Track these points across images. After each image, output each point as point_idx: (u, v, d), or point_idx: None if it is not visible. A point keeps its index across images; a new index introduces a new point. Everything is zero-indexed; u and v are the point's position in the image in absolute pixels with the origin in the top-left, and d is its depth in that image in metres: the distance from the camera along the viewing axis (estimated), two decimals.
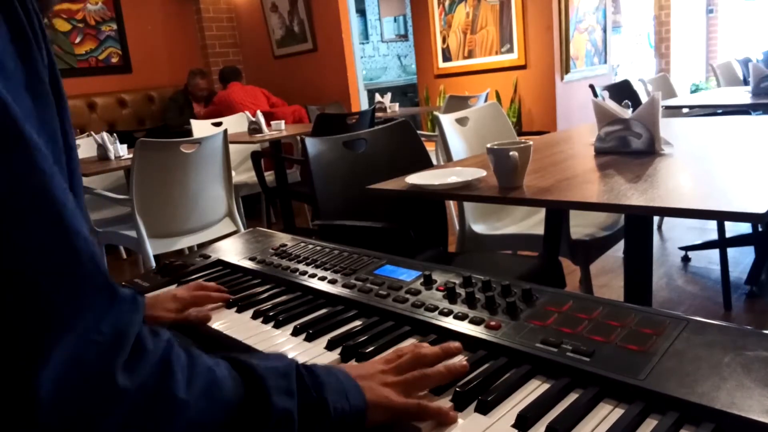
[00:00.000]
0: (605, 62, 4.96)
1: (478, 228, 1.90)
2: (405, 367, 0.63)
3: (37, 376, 0.38)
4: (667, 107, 2.76)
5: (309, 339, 0.77)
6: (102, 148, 2.89)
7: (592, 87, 3.03)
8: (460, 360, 0.65)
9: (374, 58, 8.36)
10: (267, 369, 0.53)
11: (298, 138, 3.65)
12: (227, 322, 0.86)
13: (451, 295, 0.80)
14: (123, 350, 0.42)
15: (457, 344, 0.68)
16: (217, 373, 0.49)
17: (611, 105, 1.47)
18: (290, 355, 0.73)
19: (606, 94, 1.63)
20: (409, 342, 0.73)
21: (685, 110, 2.97)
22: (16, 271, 0.39)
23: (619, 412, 0.55)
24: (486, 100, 3.80)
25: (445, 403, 0.59)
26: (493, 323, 0.71)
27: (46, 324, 0.39)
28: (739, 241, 2.63)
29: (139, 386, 0.42)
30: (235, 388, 0.50)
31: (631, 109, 1.48)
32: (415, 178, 1.35)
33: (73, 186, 0.48)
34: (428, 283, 0.85)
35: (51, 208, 0.40)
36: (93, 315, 0.41)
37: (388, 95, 4.55)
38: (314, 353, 0.73)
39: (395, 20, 8.51)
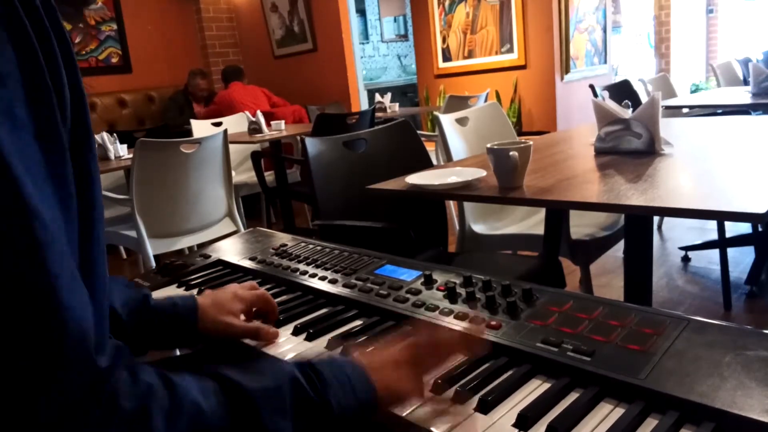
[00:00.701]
0: (605, 62, 4.96)
1: (478, 228, 1.90)
2: (420, 357, 0.62)
3: None
4: (667, 107, 2.76)
5: (309, 339, 0.77)
6: (102, 148, 2.89)
7: (592, 87, 3.03)
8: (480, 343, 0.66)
9: (374, 58, 8.36)
10: (258, 390, 0.52)
11: (298, 138, 3.65)
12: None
13: (451, 294, 0.80)
14: (93, 418, 0.42)
15: (479, 328, 0.69)
16: (203, 406, 0.48)
17: (611, 105, 1.47)
18: (290, 356, 0.74)
19: (606, 94, 1.63)
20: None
21: (685, 110, 2.97)
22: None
23: (619, 411, 0.55)
24: (486, 100, 3.80)
25: (444, 402, 0.59)
26: (493, 323, 0.71)
27: (22, 398, 0.39)
28: (739, 241, 2.63)
29: None
30: (224, 416, 0.49)
31: (631, 109, 1.48)
32: (415, 178, 1.35)
33: (93, 213, 0.48)
34: (429, 282, 0.85)
35: (42, 280, 0.40)
36: (67, 392, 0.41)
37: (388, 95, 4.55)
38: (314, 353, 0.73)
39: (395, 20, 8.51)
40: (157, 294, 1.00)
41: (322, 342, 0.75)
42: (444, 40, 5.05)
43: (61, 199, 0.44)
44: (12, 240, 0.39)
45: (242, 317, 0.82)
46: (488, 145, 1.22)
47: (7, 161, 0.39)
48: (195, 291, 1.00)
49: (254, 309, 0.84)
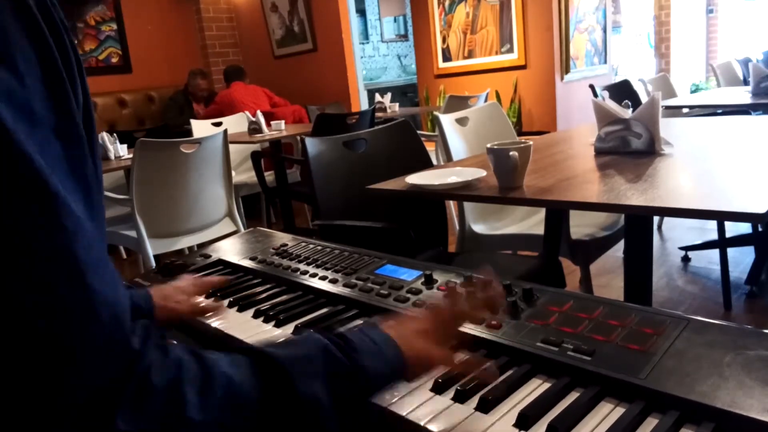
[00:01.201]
0: (605, 62, 4.96)
1: (478, 228, 1.90)
2: (444, 323, 0.64)
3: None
4: (667, 107, 2.76)
5: None
6: (102, 148, 2.89)
7: (592, 87, 3.03)
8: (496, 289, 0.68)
9: (374, 58, 8.36)
10: (288, 357, 0.52)
11: (298, 138, 3.65)
12: (228, 322, 0.87)
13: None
14: (126, 397, 0.43)
15: (499, 289, 0.70)
16: (234, 377, 0.49)
17: (611, 105, 1.47)
18: None
19: (606, 94, 1.63)
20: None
21: (685, 110, 2.97)
22: (33, 330, 0.39)
23: (619, 411, 0.55)
24: (486, 100, 3.80)
25: (445, 401, 0.59)
26: (493, 323, 0.71)
27: (59, 387, 0.40)
28: (739, 241, 2.63)
29: (145, 426, 0.43)
30: (257, 384, 0.50)
31: (631, 109, 1.48)
32: (415, 178, 1.35)
33: (93, 215, 0.49)
34: (429, 282, 0.85)
35: (73, 268, 0.41)
36: (102, 372, 0.42)
37: (388, 95, 4.55)
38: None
39: (395, 20, 8.51)
40: (162, 288, 1.01)
41: None
42: (444, 40, 5.05)
43: (84, 194, 0.45)
44: (41, 229, 0.40)
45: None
46: (488, 145, 1.22)
47: (28, 157, 0.39)
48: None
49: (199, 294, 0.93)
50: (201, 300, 0.93)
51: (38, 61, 0.42)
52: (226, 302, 0.93)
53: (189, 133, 3.59)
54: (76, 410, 0.41)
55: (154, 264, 2.37)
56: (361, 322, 0.80)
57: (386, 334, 0.60)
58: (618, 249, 2.08)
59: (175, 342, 0.50)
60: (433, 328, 0.63)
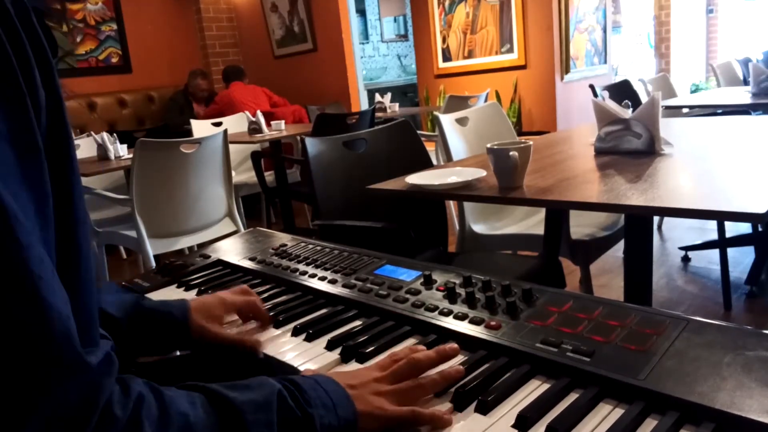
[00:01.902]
0: (605, 62, 4.96)
1: (478, 228, 1.90)
2: (399, 375, 0.62)
3: None
4: (667, 107, 2.76)
5: (309, 339, 0.77)
6: (102, 148, 2.89)
7: (592, 87, 3.03)
8: (454, 365, 0.64)
9: (374, 58, 8.36)
10: (245, 403, 0.52)
11: (298, 138, 3.65)
12: (227, 322, 0.86)
13: (451, 295, 0.80)
14: (89, 425, 0.42)
15: (454, 346, 0.67)
16: (191, 417, 0.49)
17: (611, 105, 1.47)
18: (290, 356, 0.74)
19: (606, 94, 1.63)
20: (406, 344, 0.73)
21: (685, 110, 2.97)
22: None
23: (619, 412, 0.55)
24: (486, 100, 3.80)
25: (444, 405, 0.59)
26: (493, 323, 0.71)
27: (15, 403, 0.39)
28: (739, 241, 2.63)
29: None
30: (211, 426, 0.49)
31: (631, 109, 1.48)
32: (415, 178, 1.35)
33: (75, 215, 0.48)
34: (428, 283, 0.85)
35: (26, 282, 0.40)
36: (61, 394, 0.41)
37: (388, 95, 4.55)
38: (314, 353, 0.73)
39: (395, 20, 8.51)
40: (157, 294, 1.00)
41: (321, 342, 0.75)
42: (444, 40, 5.05)
43: (37, 202, 0.44)
44: None
45: (229, 319, 0.84)
46: (488, 145, 1.22)
47: None
48: (195, 291, 1.00)
49: (243, 314, 0.85)
50: (247, 327, 0.83)
51: None
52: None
53: (189, 133, 3.59)
54: None
55: (154, 264, 2.37)
56: (359, 322, 0.80)
57: (341, 387, 0.59)
58: (618, 249, 2.08)
59: (134, 376, 0.49)
60: (391, 383, 0.61)
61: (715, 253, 2.62)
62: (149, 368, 0.79)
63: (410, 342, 0.73)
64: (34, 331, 0.40)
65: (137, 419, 0.45)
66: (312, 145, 1.66)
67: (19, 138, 0.43)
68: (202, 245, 1.85)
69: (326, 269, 0.97)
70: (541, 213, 1.83)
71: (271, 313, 0.85)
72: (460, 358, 0.67)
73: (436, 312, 0.76)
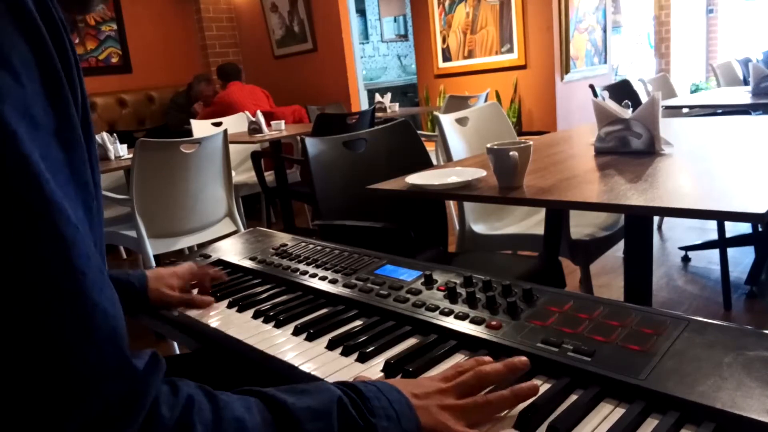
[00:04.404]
0: (605, 62, 4.96)
1: (478, 228, 1.90)
2: (466, 388, 0.58)
3: None
4: (667, 107, 2.76)
5: (309, 339, 0.77)
6: (102, 148, 2.88)
7: (592, 87, 3.03)
8: (529, 382, 0.59)
9: (374, 58, 8.36)
10: (303, 410, 0.49)
11: (298, 138, 3.65)
12: (227, 322, 0.86)
13: (451, 294, 0.80)
14: (134, 425, 0.41)
15: (523, 359, 0.61)
16: (247, 422, 0.46)
17: (611, 105, 1.47)
18: (290, 356, 0.74)
19: (606, 94, 1.63)
20: (407, 343, 0.73)
21: (685, 110, 2.97)
22: (30, 347, 0.38)
23: (620, 411, 0.55)
24: (486, 100, 3.80)
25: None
26: (493, 323, 0.71)
27: (60, 404, 0.38)
28: (739, 241, 2.63)
29: None
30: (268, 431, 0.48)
31: (631, 109, 1.48)
32: (415, 178, 1.35)
33: (93, 222, 0.47)
34: (429, 282, 0.85)
35: (71, 279, 0.39)
36: (104, 394, 0.40)
37: (388, 95, 4.55)
38: (315, 353, 0.73)
39: (395, 20, 8.51)
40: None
41: (322, 342, 0.75)
42: (444, 40, 5.05)
43: (84, 200, 0.44)
44: (38, 237, 0.38)
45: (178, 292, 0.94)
46: (488, 145, 1.22)
47: (29, 160, 0.38)
48: (195, 291, 1.00)
49: (193, 283, 0.98)
50: (193, 292, 0.97)
51: (36, 64, 0.41)
52: (225, 303, 0.93)
53: (189, 133, 3.59)
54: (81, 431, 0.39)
55: (154, 264, 2.36)
56: (359, 322, 0.80)
57: (405, 397, 0.55)
58: (618, 249, 2.08)
59: (184, 379, 0.48)
60: (457, 397, 0.57)
61: (715, 253, 2.62)
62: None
63: (411, 342, 0.73)
64: (76, 329, 0.39)
65: (188, 422, 0.43)
66: (312, 145, 1.66)
67: (65, 135, 0.43)
68: (202, 245, 1.85)
69: (327, 269, 0.97)
70: (541, 213, 1.83)
71: (271, 313, 0.85)
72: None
73: (437, 312, 0.76)
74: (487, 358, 0.63)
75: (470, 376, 0.59)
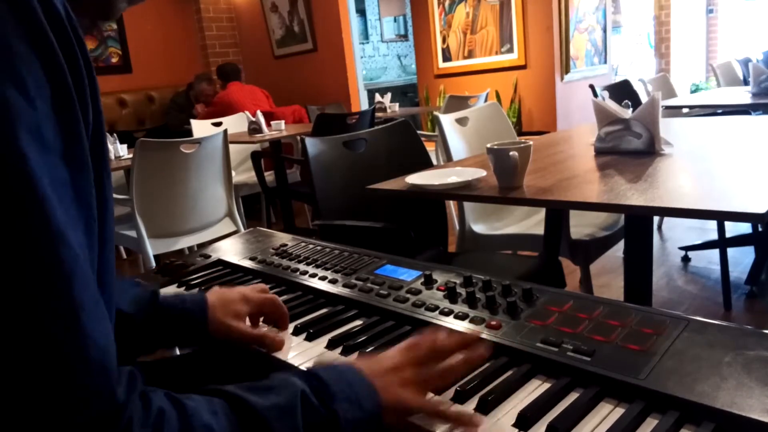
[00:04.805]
0: (605, 62, 4.96)
1: (478, 228, 1.90)
2: (423, 360, 0.60)
3: None
4: (667, 107, 2.76)
5: (309, 339, 0.77)
6: None
7: (592, 87, 3.03)
8: (479, 349, 0.62)
9: (374, 58, 8.36)
10: (269, 409, 0.50)
11: (298, 138, 3.65)
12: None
13: (451, 294, 0.80)
14: None
15: (475, 335, 0.67)
16: (215, 427, 0.47)
17: (611, 105, 1.47)
18: (290, 355, 0.74)
19: (606, 94, 1.63)
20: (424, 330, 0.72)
21: (685, 110, 2.97)
22: (21, 371, 0.38)
23: (619, 411, 0.55)
24: (486, 100, 3.80)
25: (446, 402, 0.59)
26: (493, 323, 0.71)
27: (42, 423, 0.39)
28: (739, 241, 2.63)
29: None
30: None
31: (631, 109, 1.48)
32: (415, 178, 1.35)
33: (104, 235, 0.48)
34: (429, 282, 0.85)
35: (67, 307, 0.40)
36: (86, 422, 0.40)
37: (388, 95, 4.55)
38: (315, 353, 0.73)
39: (395, 20, 8.51)
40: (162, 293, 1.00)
41: (322, 342, 0.75)
42: (444, 40, 5.05)
43: (86, 223, 0.44)
44: (37, 264, 0.38)
45: (248, 321, 0.80)
46: (488, 145, 1.22)
47: (35, 183, 0.38)
48: (196, 290, 1.00)
49: (263, 313, 0.82)
50: (266, 328, 0.81)
51: (50, 87, 0.41)
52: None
53: (189, 133, 3.59)
54: None
55: (154, 264, 2.37)
56: (359, 321, 0.80)
57: (365, 378, 0.57)
58: (618, 249, 2.08)
59: (155, 388, 0.47)
60: (412, 370, 0.59)
61: (715, 253, 2.62)
62: (149, 368, 0.78)
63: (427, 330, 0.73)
64: (68, 359, 0.39)
65: None
66: (312, 145, 1.66)
67: (72, 156, 0.43)
68: (202, 245, 1.85)
69: (326, 269, 0.97)
70: (541, 213, 1.83)
71: None
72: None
73: (437, 312, 0.76)
74: (441, 332, 0.64)
75: (426, 349, 0.61)
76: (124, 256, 3.79)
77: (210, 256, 1.14)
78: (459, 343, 0.63)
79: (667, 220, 3.25)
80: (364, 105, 5.57)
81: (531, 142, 1.21)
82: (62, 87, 0.42)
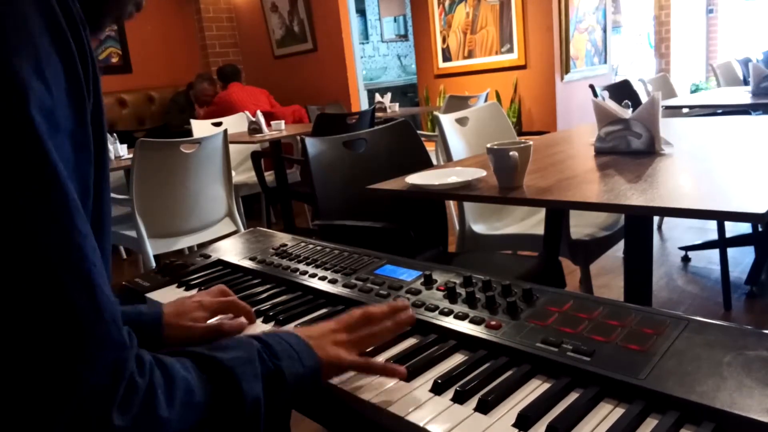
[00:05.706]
0: (605, 62, 4.96)
1: (478, 228, 1.90)
2: (354, 326, 0.69)
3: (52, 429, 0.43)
4: (667, 107, 2.76)
5: None
6: None
7: (592, 87, 3.03)
8: (407, 313, 0.72)
9: (374, 58, 8.36)
10: (232, 359, 0.57)
11: (298, 138, 3.65)
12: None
13: (451, 294, 0.80)
14: (119, 394, 0.46)
15: (405, 302, 0.75)
16: (190, 380, 0.53)
17: (611, 105, 1.47)
18: None
19: (606, 94, 1.63)
20: (406, 343, 0.73)
21: (685, 110, 2.97)
22: (44, 325, 0.43)
23: (619, 411, 0.55)
24: (486, 100, 3.80)
25: (444, 401, 0.59)
26: (493, 323, 0.71)
27: (64, 374, 0.43)
28: (739, 241, 2.63)
29: (131, 423, 0.46)
30: (205, 386, 0.54)
31: (631, 109, 1.48)
32: (415, 178, 1.35)
33: (102, 216, 0.54)
34: (429, 282, 0.85)
35: (83, 267, 0.45)
36: (102, 367, 0.45)
37: (388, 95, 4.54)
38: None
39: (395, 20, 8.51)
40: (157, 294, 1.00)
41: None
42: (444, 40, 5.05)
43: (84, 197, 0.49)
44: (60, 227, 0.44)
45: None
46: (488, 145, 1.22)
47: (54, 164, 0.44)
48: (195, 291, 1.00)
49: (224, 315, 0.84)
50: (221, 318, 0.83)
51: (63, 72, 0.46)
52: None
53: (189, 133, 3.59)
54: (77, 405, 0.43)
55: (154, 264, 2.37)
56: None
57: (302, 339, 0.64)
58: (618, 249, 2.08)
59: (143, 349, 0.52)
60: (345, 333, 0.68)
61: (715, 253, 2.62)
62: None
63: (411, 342, 0.73)
64: (86, 311, 0.44)
65: (152, 386, 0.48)
66: (312, 145, 1.66)
67: (77, 136, 0.48)
68: (202, 245, 1.85)
69: (326, 269, 0.97)
70: (541, 213, 1.83)
71: (271, 313, 0.85)
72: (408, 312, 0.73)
73: (437, 312, 0.76)
74: (374, 305, 0.73)
75: (359, 315, 0.70)
76: (124, 256, 3.79)
77: (210, 256, 1.14)
78: (388, 310, 0.71)
79: (667, 220, 3.25)
80: (364, 105, 5.57)
81: (531, 142, 1.21)
82: (74, 75, 0.48)
